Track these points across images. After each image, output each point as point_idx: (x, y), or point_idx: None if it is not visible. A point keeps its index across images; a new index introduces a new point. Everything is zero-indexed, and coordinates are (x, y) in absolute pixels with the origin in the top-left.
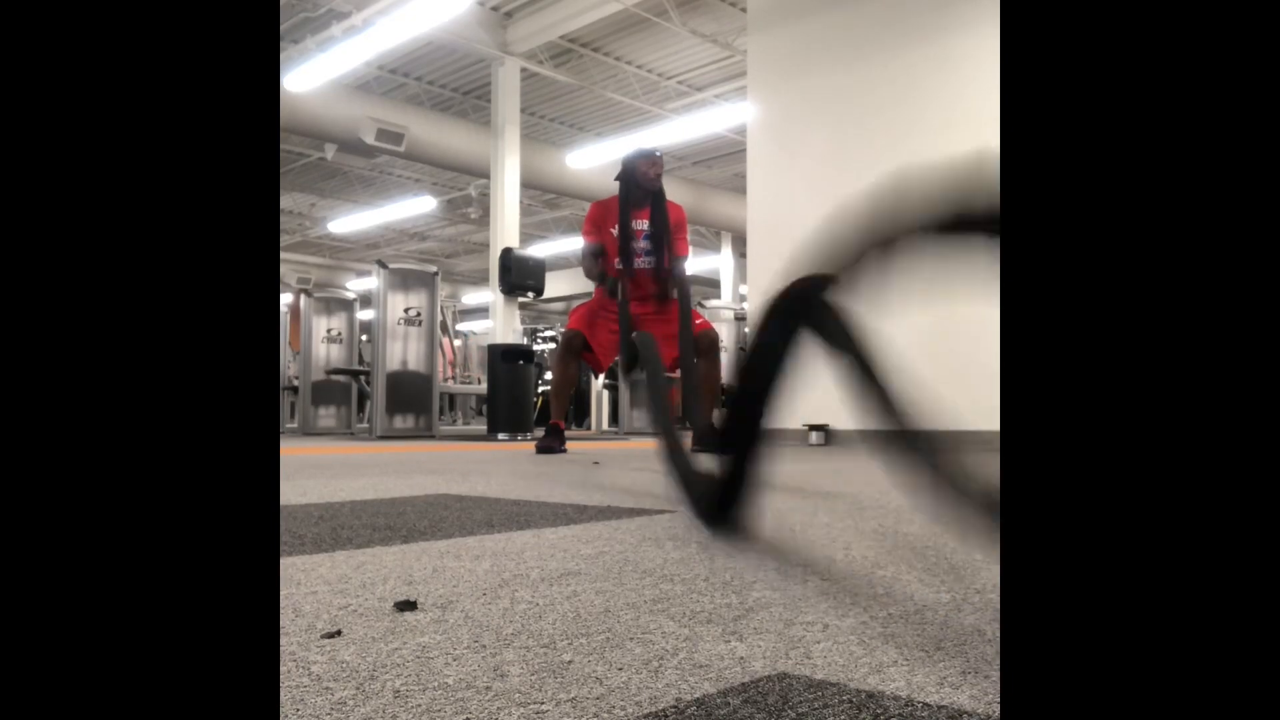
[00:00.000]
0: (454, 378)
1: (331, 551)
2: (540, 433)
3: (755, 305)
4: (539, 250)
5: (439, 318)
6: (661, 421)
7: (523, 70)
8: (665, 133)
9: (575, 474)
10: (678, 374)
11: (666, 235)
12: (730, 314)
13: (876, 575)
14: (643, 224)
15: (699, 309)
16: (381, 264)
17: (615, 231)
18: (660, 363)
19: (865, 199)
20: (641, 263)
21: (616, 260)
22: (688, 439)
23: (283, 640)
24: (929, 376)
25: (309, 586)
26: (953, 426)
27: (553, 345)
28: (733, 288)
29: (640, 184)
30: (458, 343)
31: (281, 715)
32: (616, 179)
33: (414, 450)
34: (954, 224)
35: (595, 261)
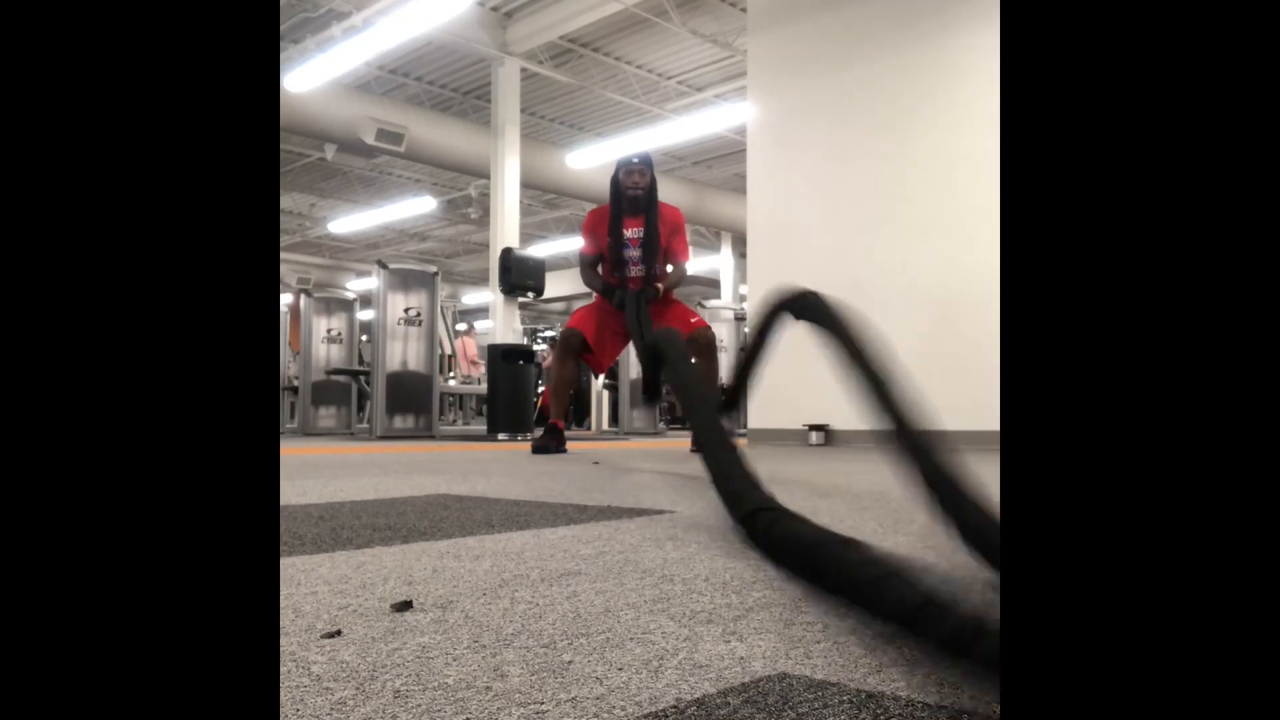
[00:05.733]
0: (465, 376)
1: (331, 551)
2: (539, 433)
3: (755, 304)
4: (539, 250)
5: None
6: (698, 414)
7: (523, 70)
8: (665, 133)
9: (575, 474)
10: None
11: (657, 243)
12: (730, 314)
13: None
14: (635, 232)
15: (698, 308)
16: (381, 264)
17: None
18: (685, 354)
19: None
20: (635, 271)
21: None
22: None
23: (283, 640)
24: (929, 376)
25: (309, 586)
26: (953, 426)
27: (552, 345)
28: (733, 288)
29: (624, 194)
30: (457, 342)
31: (281, 715)
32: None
33: (414, 450)
34: None
35: (593, 272)
